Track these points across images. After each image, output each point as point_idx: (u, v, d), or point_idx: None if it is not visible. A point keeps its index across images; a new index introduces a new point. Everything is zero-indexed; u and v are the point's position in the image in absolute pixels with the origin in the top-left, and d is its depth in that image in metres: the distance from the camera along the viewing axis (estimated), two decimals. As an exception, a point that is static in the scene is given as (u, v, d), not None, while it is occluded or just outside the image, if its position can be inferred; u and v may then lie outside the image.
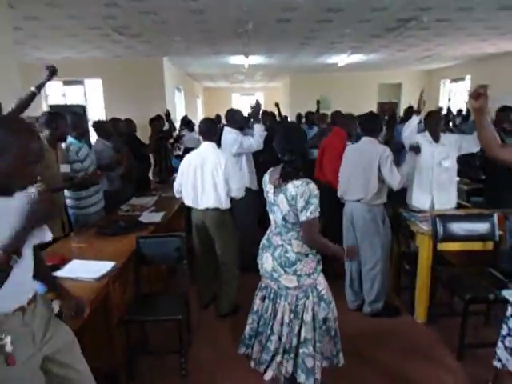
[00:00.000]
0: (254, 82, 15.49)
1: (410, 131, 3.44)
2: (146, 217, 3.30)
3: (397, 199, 3.38)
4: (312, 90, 12.58)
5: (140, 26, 5.89)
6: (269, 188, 2.07)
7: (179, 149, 6.63)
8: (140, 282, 2.59)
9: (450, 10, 5.37)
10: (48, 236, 1.45)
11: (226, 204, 2.96)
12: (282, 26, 6.04)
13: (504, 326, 1.81)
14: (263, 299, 2.14)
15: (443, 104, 11.69)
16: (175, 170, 4.88)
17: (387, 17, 5.66)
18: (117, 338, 2.28)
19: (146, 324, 2.69)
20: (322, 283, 2.06)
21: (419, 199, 3.33)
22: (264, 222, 2.68)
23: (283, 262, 1.99)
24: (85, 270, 2.17)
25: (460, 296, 2.52)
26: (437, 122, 3.25)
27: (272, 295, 2.08)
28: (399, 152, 3.58)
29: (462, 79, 11.97)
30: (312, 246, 2.00)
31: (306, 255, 2.00)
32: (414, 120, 3.45)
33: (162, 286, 3.42)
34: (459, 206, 3.46)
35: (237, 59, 9.37)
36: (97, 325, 2.17)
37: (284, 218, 1.97)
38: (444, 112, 8.04)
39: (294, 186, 1.90)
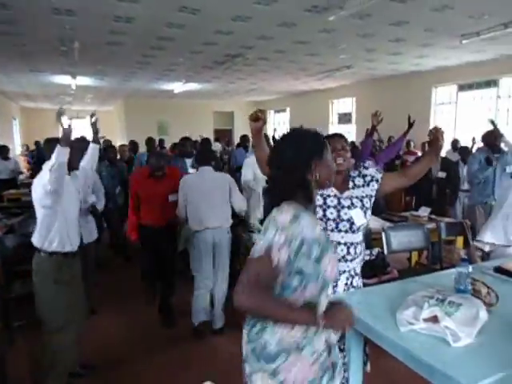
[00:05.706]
0: (84, 105, 14.28)
1: None
2: None
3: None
4: (149, 114, 12.41)
5: None
6: None
7: None
8: None
9: (269, 51, 6.11)
10: None
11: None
12: (112, 48, 5.77)
13: None
14: None
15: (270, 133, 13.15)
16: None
17: (217, 51, 6.05)
18: None
19: None
20: None
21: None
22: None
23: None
24: None
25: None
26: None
27: None
28: None
29: (284, 110, 13.77)
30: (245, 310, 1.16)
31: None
32: None
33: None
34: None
35: (61, 79, 8.48)
36: None
37: None
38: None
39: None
